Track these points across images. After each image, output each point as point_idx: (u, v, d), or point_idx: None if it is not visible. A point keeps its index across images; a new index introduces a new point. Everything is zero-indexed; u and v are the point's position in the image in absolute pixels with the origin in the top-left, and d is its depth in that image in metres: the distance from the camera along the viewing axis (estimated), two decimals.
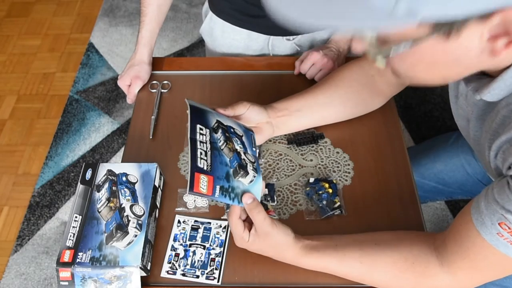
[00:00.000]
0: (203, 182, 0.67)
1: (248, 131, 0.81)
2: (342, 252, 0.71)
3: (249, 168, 0.73)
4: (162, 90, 1.04)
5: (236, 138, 0.76)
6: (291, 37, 1.14)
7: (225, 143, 0.74)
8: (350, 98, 0.90)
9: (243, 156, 0.75)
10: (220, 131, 0.75)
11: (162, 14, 1.07)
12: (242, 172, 0.72)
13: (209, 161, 0.70)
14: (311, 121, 0.91)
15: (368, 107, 0.93)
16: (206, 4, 1.20)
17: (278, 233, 0.71)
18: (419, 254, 0.68)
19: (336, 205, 0.83)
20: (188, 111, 0.73)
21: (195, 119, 0.73)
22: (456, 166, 1.04)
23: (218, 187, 0.68)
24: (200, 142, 0.71)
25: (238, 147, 0.75)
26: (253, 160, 0.76)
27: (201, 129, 0.73)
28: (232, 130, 0.77)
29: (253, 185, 0.72)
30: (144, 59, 1.04)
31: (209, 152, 0.71)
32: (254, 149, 0.79)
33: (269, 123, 0.85)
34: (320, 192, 0.84)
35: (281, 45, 1.16)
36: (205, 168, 0.69)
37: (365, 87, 0.89)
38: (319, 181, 0.86)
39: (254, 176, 0.73)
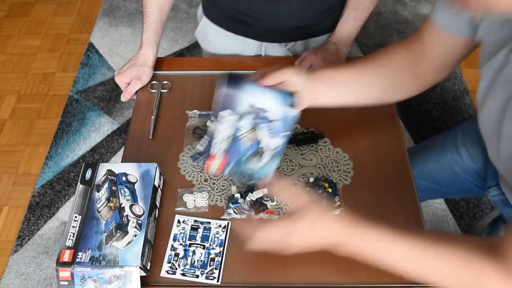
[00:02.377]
0: (214, 164, 0.76)
1: (288, 117, 0.77)
2: (398, 240, 0.65)
3: (266, 154, 0.76)
4: (162, 90, 1.05)
5: (264, 124, 0.75)
6: (283, 44, 1.14)
7: (247, 132, 0.75)
8: (391, 80, 0.85)
9: (262, 144, 0.76)
10: (248, 116, 0.74)
11: (165, 14, 1.07)
12: (257, 157, 0.76)
13: (224, 147, 0.76)
14: (348, 99, 0.86)
15: (406, 92, 0.88)
16: (200, 8, 1.20)
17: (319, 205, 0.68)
18: (474, 257, 0.63)
19: (336, 204, 0.83)
20: (221, 90, 0.72)
21: (226, 103, 0.72)
22: (445, 165, 1.05)
23: (228, 168, 0.77)
24: (220, 130, 0.74)
25: (264, 133, 0.75)
26: (274, 147, 0.76)
27: (227, 115, 0.74)
28: (263, 114, 0.75)
29: (264, 168, 0.77)
30: (149, 62, 1.04)
31: (228, 139, 0.75)
32: (288, 132, 0.77)
33: (310, 90, 0.80)
34: (320, 191, 0.84)
35: (275, 51, 1.16)
36: (219, 153, 0.76)
37: (409, 71, 0.84)
38: (319, 181, 0.86)
39: (267, 164, 0.77)
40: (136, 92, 1.05)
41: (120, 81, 1.03)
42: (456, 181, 1.05)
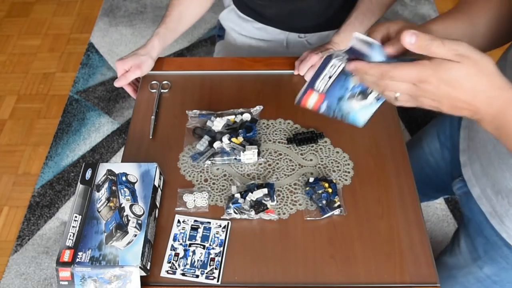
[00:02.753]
0: (312, 99, 0.71)
1: None
2: None
3: (372, 95, 0.70)
4: (162, 90, 1.05)
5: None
6: (302, 35, 1.20)
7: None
8: (502, 17, 0.73)
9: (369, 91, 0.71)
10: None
11: (185, 21, 1.09)
12: (359, 97, 0.70)
13: (328, 84, 0.70)
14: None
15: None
16: None
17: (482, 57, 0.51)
18: None
19: (336, 204, 0.83)
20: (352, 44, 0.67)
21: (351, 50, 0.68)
22: (412, 161, 1.05)
23: (325, 104, 0.70)
24: (332, 66, 0.70)
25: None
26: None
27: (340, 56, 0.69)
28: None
29: (364, 109, 0.70)
30: (152, 54, 1.04)
31: (334, 77, 0.70)
32: None
33: None
34: (320, 191, 0.84)
35: (294, 40, 1.22)
36: (320, 89, 0.71)
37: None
38: (319, 181, 0.86)
39: (371, 104, 0.70)
40: (137, 80, 1.06)
41: (120, 67, 1.02)
42: (422, 177, 1.06)
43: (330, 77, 0.70)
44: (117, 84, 1.02)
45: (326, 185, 0.85)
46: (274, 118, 0.98)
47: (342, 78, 0.70)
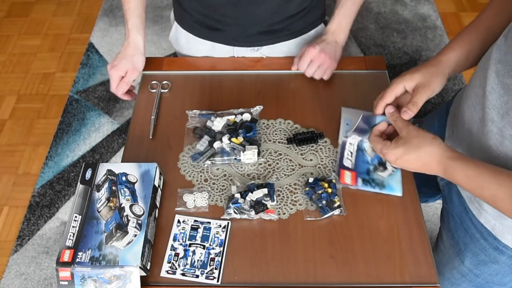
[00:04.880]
0: (347, 176, 0.86)
1: None
2: (497, 170, 0.66)
3: (388, 164, 0.87)
4: (162, 90, 1.05)
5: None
6: (255, 48, 1.12)
7: (368, 143, 0.88)
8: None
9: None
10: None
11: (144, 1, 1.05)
12: (381, 168, 0.87)
13: (353, 160, 0.88)
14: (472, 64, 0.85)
15: None
16: (173, 13, 1.19)
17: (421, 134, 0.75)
18: None
19: (336, 204, 0.83)
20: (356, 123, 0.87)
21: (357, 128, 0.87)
22: None
23: (360, 179, 0.86)
24: (350, 143, 0.90)
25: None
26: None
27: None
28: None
29: (392, 177, 0.87)
30: (140, 48, 1.02)
31: (354, 153, 0.89)
32: None
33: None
34: (320, 191, 0.84)
35: (246, 54, 1.14)
36: (349, 166, 0.88)
37: None
38: (319, 181, 0.86)
39: (393, 171, 0.87)
40: (134, 81, 1.04)
41: (115, 74, 1.00)
42: (416, 174, 1.06)
43: (351, 153, 0.89)
44: (119, 92, 1.02)
45: (326, 185, 0.85)
46: (274, 118, 0.98)
47: (360, 154, 0.89)
